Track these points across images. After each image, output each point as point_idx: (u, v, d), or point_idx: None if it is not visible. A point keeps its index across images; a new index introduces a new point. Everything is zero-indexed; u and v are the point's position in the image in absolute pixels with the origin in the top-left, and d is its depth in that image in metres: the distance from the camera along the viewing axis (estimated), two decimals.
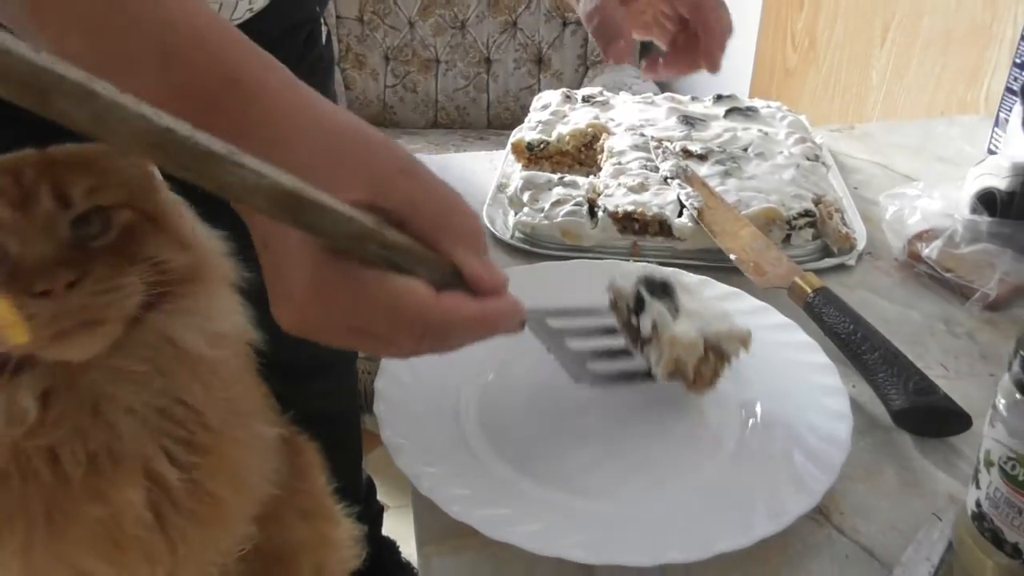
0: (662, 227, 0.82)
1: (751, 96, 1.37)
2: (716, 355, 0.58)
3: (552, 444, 0.59)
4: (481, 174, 1.01)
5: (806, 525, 0.53)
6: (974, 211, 0.83)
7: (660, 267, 0.64)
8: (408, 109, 2.55)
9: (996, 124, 1.05)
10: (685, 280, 0.64)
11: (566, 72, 2.52)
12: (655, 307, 0.59)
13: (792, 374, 0.63)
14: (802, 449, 0.57)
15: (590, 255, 0.82)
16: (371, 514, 1.24)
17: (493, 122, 2.58)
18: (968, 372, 0.68)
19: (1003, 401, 0.44)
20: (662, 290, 0.60)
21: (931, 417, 0.60)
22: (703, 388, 0.59)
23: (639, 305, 0.60)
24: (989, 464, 0.45)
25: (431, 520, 0.54)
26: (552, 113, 1.03)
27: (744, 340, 0.59)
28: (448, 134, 2.49)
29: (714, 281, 0.73)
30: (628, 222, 0.83)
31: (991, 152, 1.04)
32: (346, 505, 0.78)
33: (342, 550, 0.74)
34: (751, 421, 0.60)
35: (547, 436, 0.60)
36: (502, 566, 0.52)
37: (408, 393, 0.61)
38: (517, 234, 0.86)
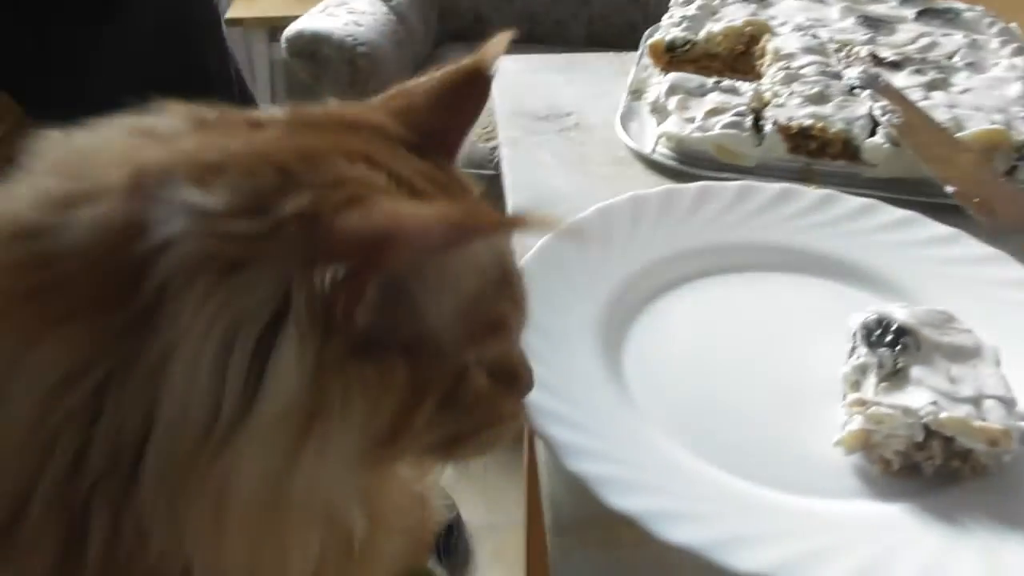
0: (846, 148, 0.66)
1: None
2: (946, 449, 0.41)
3: (735, 420, 0.46)
4: (609, 79, 0.86)
5: None
6: None
7: (921, 311, 0.46)
8: (504, 20, 2.37)
9: None
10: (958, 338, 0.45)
11: None
12: (868, 360, 0.44)
13: None
14: None
15: (750, 177, 0.66)
16: None
17: (593, 39, 2.38)
18: None
19: None
20: (894, 338, 0.44)
21: None
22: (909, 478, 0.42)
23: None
24: None
25: (572, 503, 0.42)
26: (699, 8, 0.86)
27: (994, 439, 0.40)
28: (544, 49, 2.31)
29: (926, 219, 0.57)
30: (802, 140, 0.67)
31: None
32: None
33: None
34: None
35: (730, 408, 0.47)
36: (667, 572, 0.39)
37: (551, 343, 0.48)
38: (660, 147, 0.71)
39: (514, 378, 0.37)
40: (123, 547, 0.28)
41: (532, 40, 2.39)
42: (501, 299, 0.34)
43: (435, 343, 0.31)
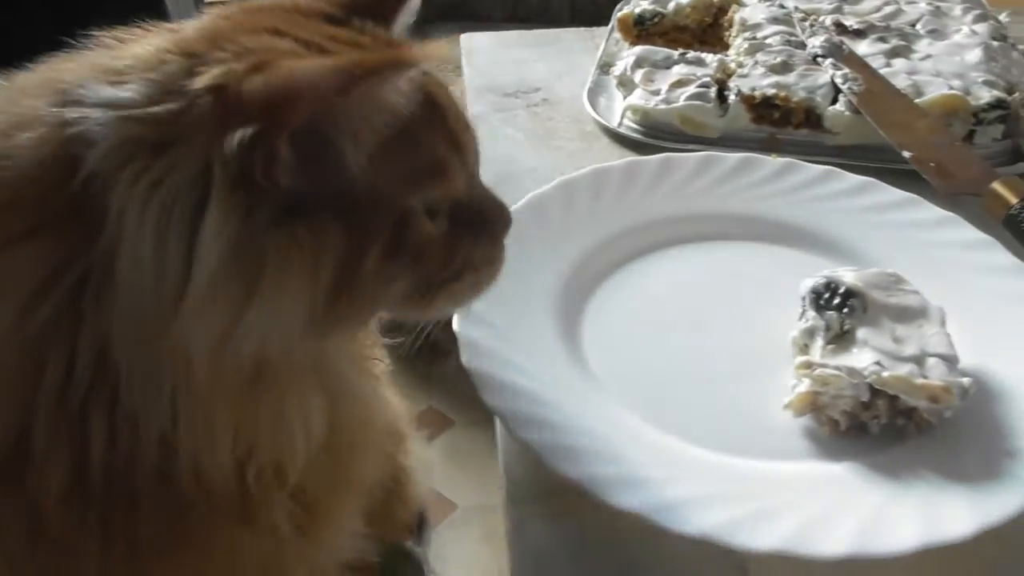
0: (809, 117, 0.67)
1: None
2: (891, 407, 0.42)
3: (688, 386, 0.47)
4: (580, 54, 0.86)
5: None
6: None
7: (868, 273, 0.47)
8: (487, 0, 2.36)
9: None
10: (905, 300, 0.46)
11: None
12: (815, 323, 0.45)
13: (998, 308, 0.48)
14: (1020, 408, 0.43)
15: (715, 147, 0.66)
16: None
17: (577, 17, 2.37)
18: None
19: None
20: (841, 301, 0.45)
21: None
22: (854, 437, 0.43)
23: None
24: None
25: (526, 475, 0.43)
26: None
27: (935, 395, 0.41)
28: (526, 27, 2.30)
29: (882, 185, 0.58)
30: (766, 109, 0.67)
31: None
32: None
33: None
34: None
35: (683, 376, 0.48)
36: (620, 538, 0.40)
37: (509, 316, 0.48)
38: (626, 120, 0.71)
39: (480, 221, 0.37)
40: (122, 448, 0.29)
41: (516, 19, 2.38)
42: (434, 141, 0.34)
43: (364, 193, 0.31)
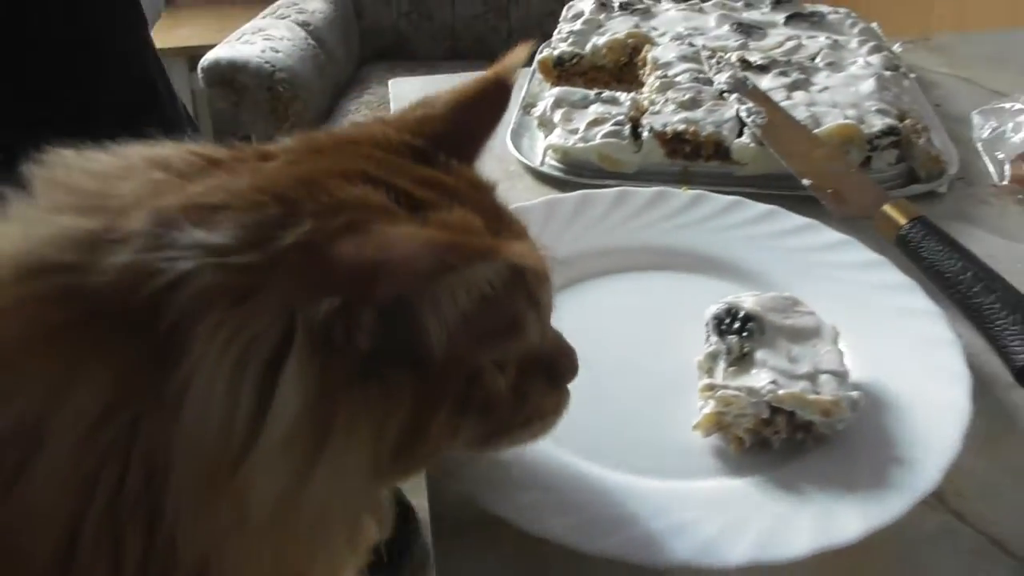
0: (718, 150, 0.70)
1: None
2: (789, 423, 0.45)
3: (605, 413, 0.49)
4: None
5: (918, 511, 0.43)
6: None
7: (765, 298, 0.50)
8: (424, 38, 2.40)
9: None
10: (801, 321, 0.49)
11: None
12: (718, 347, 0.48)
13: (889, 324, 0.52)
14: (908, 418, 0.46)
15: (632, 182, 0.70)
16: None
17: None
18: None
19: None
20: (741, 325, 0.48)
21: None
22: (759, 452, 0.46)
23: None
24: None
25: (451, 506, 0.45)
26: (585, 23, 0.90)
27: (827, 409, 0.44)
28: (466, 65, 2.34)
29: (784, 212, 0.62)
30: (678, 144, 0.71)
31: None
32: None
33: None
34: None
35: (600, 403, 0.50)
36: (543, 563, 0.42)
37: None
38: (548, 160, 0.74)
39: (552, 371, 0.38)
40: (156, 565, 0.29)
41: (455, 57, 2.42)
42: (514, 300, 0.34)
43: (441, 356, 0.31)
